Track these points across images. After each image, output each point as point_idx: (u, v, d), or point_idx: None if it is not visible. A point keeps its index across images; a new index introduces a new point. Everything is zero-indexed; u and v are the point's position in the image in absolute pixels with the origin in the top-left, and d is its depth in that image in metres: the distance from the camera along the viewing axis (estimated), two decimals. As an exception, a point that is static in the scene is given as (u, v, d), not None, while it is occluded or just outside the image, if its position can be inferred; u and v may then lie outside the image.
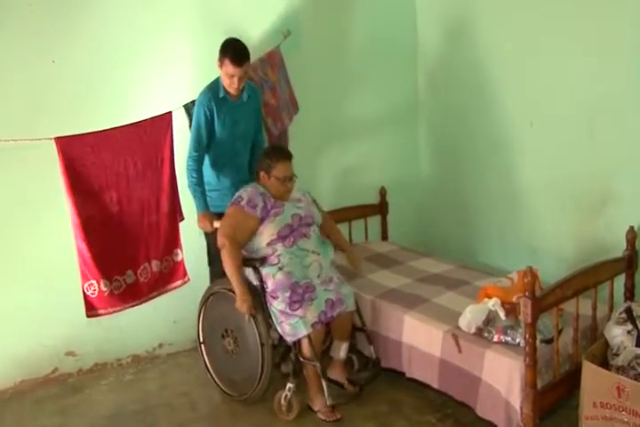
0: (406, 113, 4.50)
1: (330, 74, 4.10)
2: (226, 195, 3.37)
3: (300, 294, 3.03)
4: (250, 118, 3.44)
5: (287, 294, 3.02)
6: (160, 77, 3.56)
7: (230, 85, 3.24)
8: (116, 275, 3.30)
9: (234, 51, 3.16)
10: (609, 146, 3.24)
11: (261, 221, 3.12)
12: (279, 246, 3.10)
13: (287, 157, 3.23)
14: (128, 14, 3.44)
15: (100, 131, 3.15)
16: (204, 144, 3.31)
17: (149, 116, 3.29)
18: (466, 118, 4.13)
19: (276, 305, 3.03)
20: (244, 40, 3.27)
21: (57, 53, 3.33)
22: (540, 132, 3.60)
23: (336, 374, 3.24)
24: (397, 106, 4.43)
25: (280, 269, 3.07)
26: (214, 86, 3.30)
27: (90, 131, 3.14)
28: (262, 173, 3.22)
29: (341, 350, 3.23)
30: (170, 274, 3.47)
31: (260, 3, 3.80)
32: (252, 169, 3.47)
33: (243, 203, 3.14)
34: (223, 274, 3.12)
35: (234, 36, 3.29)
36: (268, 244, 3.10)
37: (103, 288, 3.25)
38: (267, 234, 3.11)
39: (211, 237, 3.35)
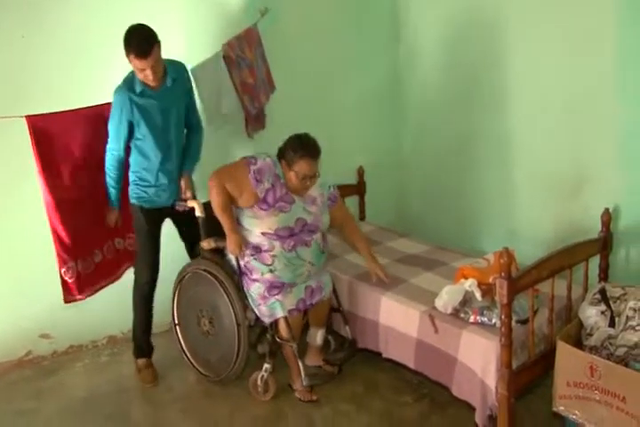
0: (387, 93, 4.46)
1: (307, 52, 4.04)
2: (164, 190, 3.21)
3: (280, 284, 2.99)
4: (181, 102, 3.18)
5: (267, 285, 2.99)
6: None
7: (146, 78, 2.97)
8: (87, 255, 3.30)
9: (136, 44, 2.85)
10: (585, 131, 3.24)
11: (259, 201, 2.91)
12: (277, 246, 2.94)
13: (313, 155, 2.92)
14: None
15: (72, 110, 3.09)
16: (124, 144, 3.09)
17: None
18: (447, 100, 4.11)
19: (255, 289, 3.00)
20: (221, 16, 3.18)
21: (27, 28, 3.23)
22: (519, 117, 3.59)
23: (313, 360, 3.25)
24: (378, 85, 4.40)
25: (271, 271, 2.96)
26: (129, 82, 3.02)
27: (62, 109, 3.07)
28: (283, 162, 2.96)
29: (318, 337, 3.23)
30: (132, 252, 3.48)
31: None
32: (191, 157, 3.32)
33: (252, 167, 2.92)
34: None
35: (210, 11, 3.19)
36: (263, 233, 2.94)
37: (80, 270, 3.23)
38: (263, 223, 2.93)
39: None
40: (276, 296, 2.97)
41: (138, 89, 3.00)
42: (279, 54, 3.84)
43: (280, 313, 2.98)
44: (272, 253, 2.94)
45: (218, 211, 2.96)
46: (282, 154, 2.96)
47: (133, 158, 3.17)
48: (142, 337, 3.42)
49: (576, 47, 3.20)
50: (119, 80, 3.39)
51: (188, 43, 3.52)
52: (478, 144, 3.92)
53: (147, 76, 2.94)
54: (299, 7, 3.94)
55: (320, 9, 4.06)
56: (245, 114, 3.65)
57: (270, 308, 2.98)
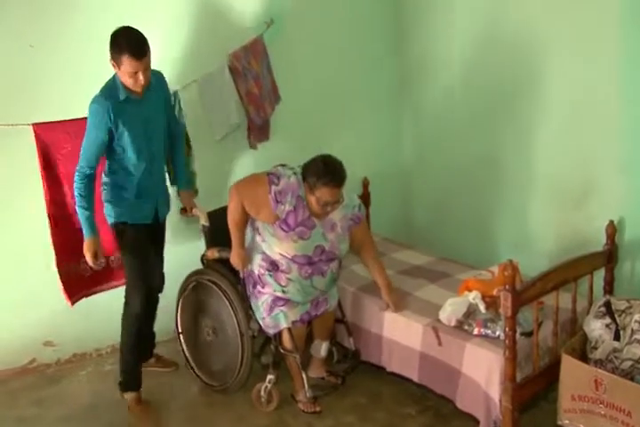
0: (391, 104, 4.46)
1: (312, 63, 4.06)
2: (146, 203, 3.05)
3: (288, 299, 2.98)
4: (161, 111, 3.04)
5: (274, 297, 2.97)
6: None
7: (136, 83, 2.78)
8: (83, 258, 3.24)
9: (134, 44, 2.72)
10: (590, 141, 3.23)
11: (279, 221, 2.82)
12: (294, 269, 2.87)
13: (336, 183, 2.75)
14: (114, 3, 3.37)
15: (78, 118, 3.09)
16: (98, 160, 2.88)
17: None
18: (450, 111, 4.11)
19: (262, 300, 2.99)
20: (227, 26, 3.19)
21: (35, 38, 3.25)
22: (524, 125, 3.59)
23: (316, 371, 3.24)
24: (382, 96, 4.40)
25: (283, 292, 2.93)
26: (110, 90, 2.83)
27: (68, 118, 3.09)
28: (306, 184, 2.80)
29: (322, 349, 3.22)
30: None
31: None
32: (182, 172, 3.25)
33: (274, 188, 2.79)
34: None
35: (213, 22, 3.17)
36: (281, 255, 2.87)
37: (78, 272, 3.25)
38: (282, 244, 2.85)
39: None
40: (281, 307, 2.96)
41: (122, 96, 2.82)
42: (284, 65, 3.85)
43: (284, 324, 2.97)
44: (288, 276, 2.90)
45: (231, 224, 2.92)
46: (304, 175, 2.81)
47: (110, 175, 2.98)
48: (135, 369, 3.19)
49: (581, 57, 3.20)
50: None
51: (193, 53, 3.53)
52: (482, 156, 3.91)
53: (137, 80, 2.77)
54: (304, 18, 3.95)
55: (325, 20, 4.07)
56: (249, 124, 3.67)
57: (274, 319, 2.98)
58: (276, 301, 2.96)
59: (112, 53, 2.74)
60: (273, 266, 2.91)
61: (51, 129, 3.03)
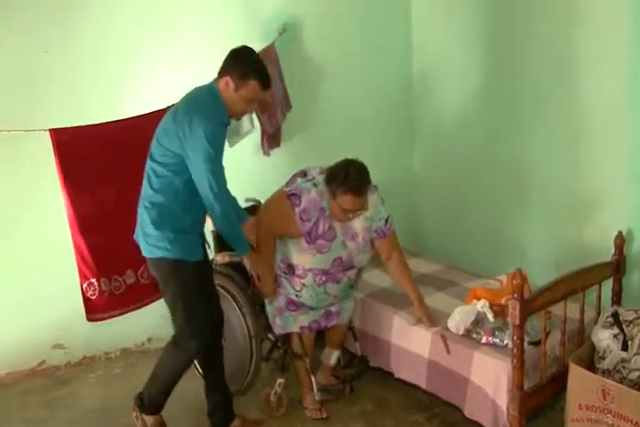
0: (400, 112, 4.49)
1: (322, 71, 4.08)
2: (197, 240, 2.78)
3: (301, 303, 2.99)
4: None
5: (287, 300, 3.00)
6: (160, 71, 3.53)
7: (244, 111, 2.70)
8: (116, 274, 3.24)
9: (264, 72, 2.61)
10: (599, 151, 3.26)
11: (304, 234, 2.81)
12: (309, 276, 2.88)
13: (358, 192, 2.70)
14: (128, 6, 3.42)
15: (98, 124, 3.10)
16: None
17: (147, 111, 3.26)
18: (458, 119, 4.14)
19: (276, 302, 3.01)
20: (240, 34, 3.20)
21: (50, 43, 3.29)
22: (532, 136, 3.61)
23: (324, 378, 3.23)
24: (391, 104, 4.43)
25: (297, 296, 2.95)
26: (220, 113, 2.62)
27: (83, 123, 3.10)
28: (328, 189, 2.77)
29: (332, 357, 3.22)
30: None
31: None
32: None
33: (297, 210, 2.78)
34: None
35: (231, 33, 3.20)
36: (298, 261, 2.88)
37: (103, 288, 3.18)
38: (301, 255, 2.85)
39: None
40: (293, 312, 2.99)
41: (225, 120, 2.65)
42: (295, 73, 3.89)
43: (292, 328, 3.00)
44: (303, 282, 2.90)
45: (262, 250, 2.88)
46: (328, 180, 2.77)
47: (178, 202, 2.65)
48: (164, 395, 2.92)
49: (587, 67, 3.23)
50: (137, 95, 3.46)
51: (207, 61, 3.56)
52: (491, 165, 3.94)
53: (249, 108, 2.71)
54: (316, 26, 3.98)
55: (337, 29, 4.11)
56: (263, 132, 3.71)
57: (284, 321, 3.01)
58: (289, 304, 2.98)
59: (240, 73, 2.56)
60: (290, 269, 2.92)
61: (69, 134, 3.02)
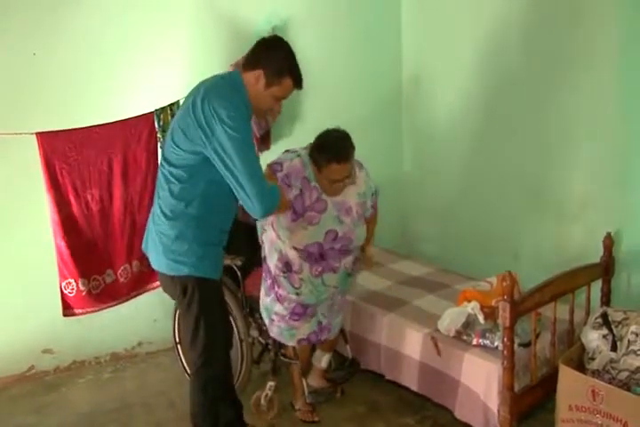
0: (391, 116, 4.51)
1: (312, 73, 4.04)
2: (222, 253, 2.56)
3: (304, 308, 2.88)
4: None
5: (293, 305, 2.87)
6: (146, 75, 3.53)
7: (268, 109, 2.50)
8: (95, 274, 3.28)
9: (299, 69, 2.40)
10: (586, 154, 3.28)
11: (289, 201, 2.64)
12: (305, 269, 2.77)
13: (340, 159, 2.58)
14: (116, 9, 3.41)
15: (84, 127, 3.13)
16: None
17: (134, 115, 3.27)
18: (450, 122, 4.16)
19: (279, 309, 2.90)
20: (229, 36, 3.18)
21: (38, 46, 3.29)
22: (522, 138, 3.63)
23: (315, 381, 3.21)
24: (382, 108, 4.45)
25: (297, 294, 2.83)
26: (247, 105, 2.35)
27: (71, 127, 3.11)
28: (314, 162, 2.66)
29: (323, 360, 3.18)
30: (150, 273, 3.36)
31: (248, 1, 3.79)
32: None
33: (279, 175, 2.66)
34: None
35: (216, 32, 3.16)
36: (295, 248, 2.73)
37: (81, 287, 3.23)
38: (294, 236, 2.71)
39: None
40: (294, 322, 2.89)
41: (249, 116, 2.40)
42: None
43: (287, 342, 2.95)
44: (300, 277, 2.79)
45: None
46: (311, 152, 2.66)
47: (213, 198, 2.39)
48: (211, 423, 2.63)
49: (577, 72, 3.25)
50: (125, 98, 3.43)
51: (195, 63, 3.57)
52: (481, 168, 3.96)
53: (275, 107, 2.50)
54: (306, 29, 3.98)
55: (327, 32, 4.12)
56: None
57: (281, 332, 2.93)
58: (292, 315, 2.87)
59: (275, 69, 2.32)
60: (287, 267, 2.80)
61: (55, 138, 3.04)
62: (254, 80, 2.33)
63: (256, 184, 2.24)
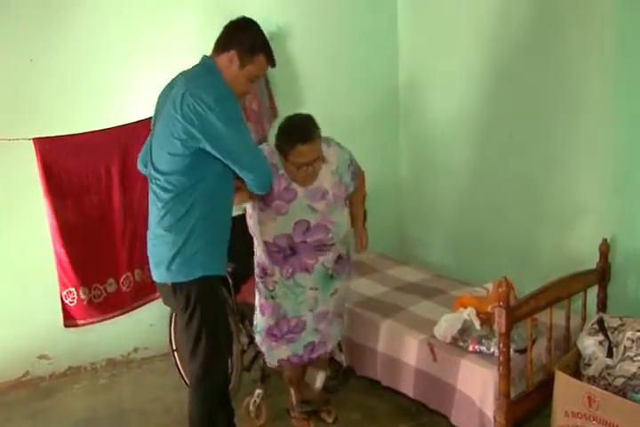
0: (386, 119, 4.52)
1: (308, 78, 4.11)
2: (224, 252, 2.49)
3: (281, 331, 2.77)
4: None
5: (271, 323, 2.78)
6: (145, 80, 3.51)
7: (246, 92, 2.44)
8: (96, 283, 3.25)
9: (270, 46, 2.36)
10: (583, 160, 3.28)
11: (260, 201, 2.58)
12: (277, 271, 2.68)
13: (305, 139, 2.46)
14: (114, 14, 3.42)
15: (82, 133, 3.12)
16: None
17: (132, 120, 3.26)
18: (446, 125, 4.16)
19: (261, 321, 2.84)
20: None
21: (35, 52, 3.29)
22: (519, 144, 3.64)
23: (311, 396, 3.09)
24: (378, 113, 4.45)
25: (272, 297, 2.74)
26: (223, 80, 2.32)
27: (69, 132, 3.11)
28: (279, 151, 2.55)
29: (317, 380, 3.05)
30: (153, 283, 3.30)
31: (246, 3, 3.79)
32: None
33: None
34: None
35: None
36: (266, 243, 2.63)
37: (82, 296, 3.20)
38: (266, 229, 2.61)
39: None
40: (272, 343, 2.82)
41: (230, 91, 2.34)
42: (282, 81, 3.90)
43: (268, 360, 2.87)
44: (273, 279, 2.71)
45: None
46: (276, 141, 2.56)
47: (206, 207, 2.33)
48: None
49: (570, 77, 3.26)
50: (123, 104, 3.44)
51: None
52: (479, 173, 3.96)
53: (251, 87, 2.44)
54: (302, 36, 4.01)
55: (323, 37, 4.13)
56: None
57: (264, 347, 2.87)
58: (269, 336, 2.80)
59: (247, 48, 2.29)
60: (263, 272, 2.74)
61: (52, 143, 3.04)
62: (228, 62, 2.30)
63: (257, 157, 2.28)
